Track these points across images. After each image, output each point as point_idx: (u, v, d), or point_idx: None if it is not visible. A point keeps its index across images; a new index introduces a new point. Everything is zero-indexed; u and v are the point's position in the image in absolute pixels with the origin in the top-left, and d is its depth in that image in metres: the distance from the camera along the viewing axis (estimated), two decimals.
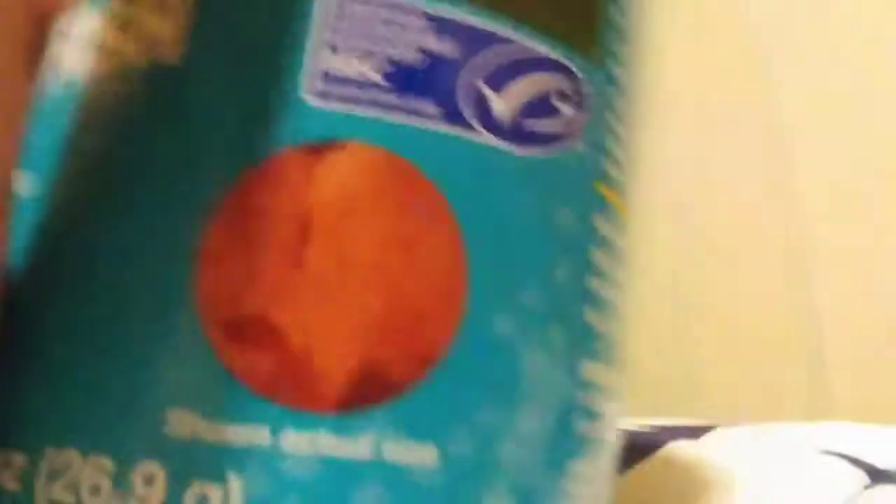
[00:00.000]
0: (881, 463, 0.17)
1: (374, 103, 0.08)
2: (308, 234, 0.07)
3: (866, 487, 0.16)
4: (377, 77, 0.08)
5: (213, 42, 0.08)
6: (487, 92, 0.08)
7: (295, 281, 0.07)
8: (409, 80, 0.08)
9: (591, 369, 0.09)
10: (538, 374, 0.08)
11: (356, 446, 0.07)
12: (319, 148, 0.08)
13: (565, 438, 0.08)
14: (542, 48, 0.09)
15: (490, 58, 0.08)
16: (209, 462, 0.07)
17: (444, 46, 0.08)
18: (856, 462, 0.17)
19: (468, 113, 0.08)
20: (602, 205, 0.09)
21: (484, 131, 0.08)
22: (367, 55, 0.08)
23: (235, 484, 0.07)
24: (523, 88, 0.09)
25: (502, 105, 0.08)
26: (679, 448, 0.18)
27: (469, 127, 0.08)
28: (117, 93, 0.08)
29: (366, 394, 0.07)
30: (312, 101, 0.08)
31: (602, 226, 0.09)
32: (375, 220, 0.08)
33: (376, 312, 0.07)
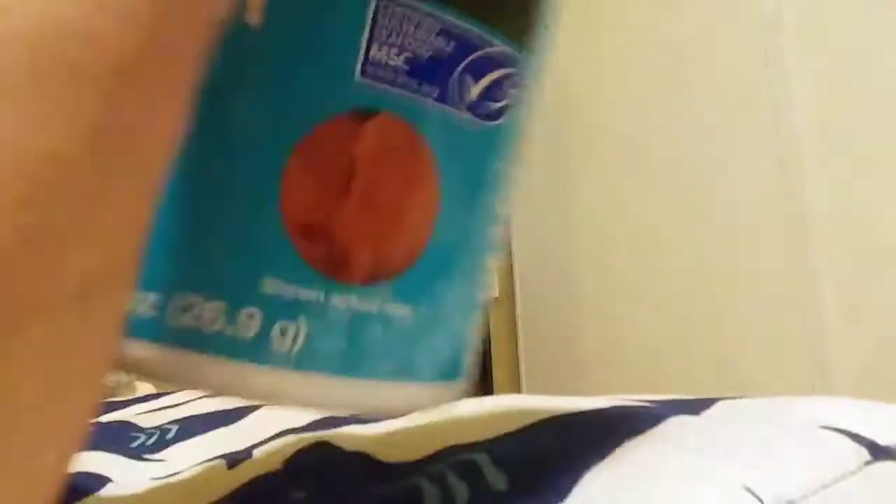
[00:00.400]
0: (882, 439, 0.17)
1: (400, 85, 0.12)
2: (353, 172, 0.12)
3: (867, 463, 0.16)
4: (404, 66, 0.12)
5: (291, 15, 0.11)
6: (468, 81, 0.13)
7: (342, 202, 0.12)
8: (422, 69, 0.12)
9: (488, 262, 0.14)
10: (465, 266, 0.13)
11: (370, 304, 0.12)
12: (363, 114, 0.12)
13: (472, 303, 0.14)
14: (504, 48, 0.13)
15: (475, 57, 0.13)
16: (287, 309, 0.11)
17: (448, 47, 0.12)
18: (856, 438, 0.17)
19: (455, 96, 0.12)
20: (516, 158, 0.14)
21: (461, 108, 0.13)
22: (400, 49, 0.12)
23: (302, 323, 0.11)
24: (489, 78, 0.13)
25: (476, 91, 0.13)
26: (679, 422, 0.18)
27: (455, 105, 0.12)
28: (216, 47, 0.11)
29: (378, 274, 0.12)
30: (361, 79, 0.11)
31: (512, 171, 0.14)
32: (390, 169, 0.12)
33: (387, 224, 0.12)
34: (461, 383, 0.15)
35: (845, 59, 0.98)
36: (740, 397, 0.21)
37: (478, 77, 0.13)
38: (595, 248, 1.32)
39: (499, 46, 0.13)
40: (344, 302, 0.12)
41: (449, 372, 0.14)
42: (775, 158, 1.07)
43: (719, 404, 0.20)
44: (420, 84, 0.12)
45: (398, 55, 0.12)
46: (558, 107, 1.37)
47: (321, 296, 0.12)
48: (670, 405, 0.20)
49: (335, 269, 0.12)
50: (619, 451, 0.16)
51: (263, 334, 0.11)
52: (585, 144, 1.35)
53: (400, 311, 0.12)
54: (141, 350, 0.11)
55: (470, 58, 0.12)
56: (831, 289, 1.00)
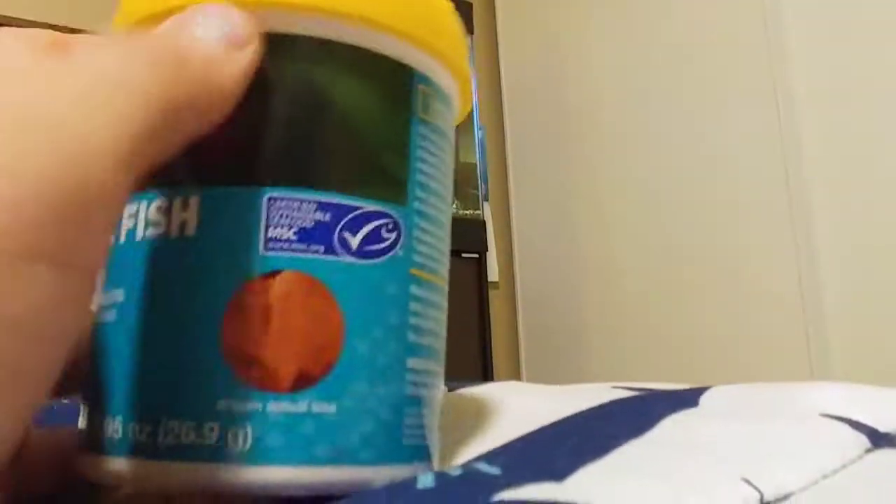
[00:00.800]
0: (883, 426, 0.16)
1: (293, 250, 0.17)
2: (270, 313, 0.17)
3: (867, 451, 0.15)
4: (294, 236, 0.17)
5: (214, 229, 0.17)
6: (347, 235, 0.18)
7: (265, 335, 0.16)
8: (308, 235, 0.17)
9: (414, 362, 0.18)
10: (381, 369, 0.18)
11: (297, 406, 0.16)
12: (272, 274, 0.17)
13: (400, 396, 0.18)
14: (375, 206, 0.18)
15: (349, 218, 0.18)
16: (237, 419, 0.16)
17: (326, 216, 0.17)
18: (856, 425, 0.16)
19: (339, 248, 0.17)
20: (415, 279, 0.19)
21: (348, 256, 0.18)
22: (289, 226, 0.17)
23: (249, 427, 0.16)
24: (366, 230, 0.18)
25: (355, 241, 0.18)
26: (677, 417, 0.18)
27: (338, 255, 0.17)
28: (161, 247, 0.17)
29: (302, 383, 0.16)
30: (264, 252, 0.17)
31: (415, 290, 0.19)
32: (297, 306, 0.17)
33: (301, 346, 0.17)
34: (420, 464, 0.18)
35: (848, 52, 1.00)
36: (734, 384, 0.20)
37: (355, 231, 0.18)
38: (596, 234, 1.32)
39: (370, 206, 0.18)
40: (278, 407, 0.16)
41: (391, 455, 0.18)
42: (777, 152, 1.06)
43: (716, 391, 0.20)
44: (308, 245, 0.17)
45: (289, 230, 0.17)
46: (558, 95, 1.38)
47: (260, 405, 0.16)
48: (667, 397, 0.20)
49: (268, 384, 0.16)
50: (616, 452, 0.16)
51: (221, 440, 0.16)
52: (584, 128, 1.34)
53: (325, 408, 0.17)
54: (117, 464, 0.16)
55: (345, 219, 0.18)
56: (832, 286, 0.99)
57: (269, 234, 0.17)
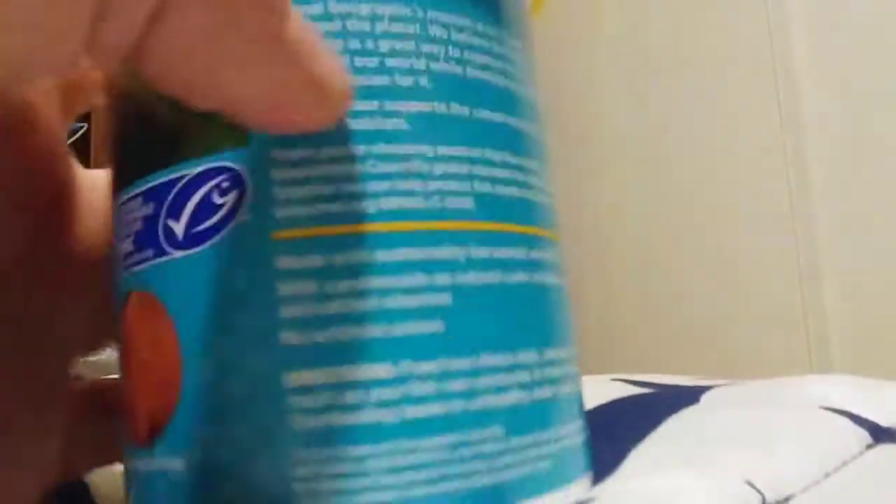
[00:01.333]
0: (884, 420, 0.17)
1: (133, 263, 0.13)
2: (122, 351, 0.14)
3: (868, 447, 0.16)
4: (130, 246, 0.13)
5: None
6: (171, 223, 0.13)
7: (124, 381, 0.13)
8: (141, 239, 0.13)
9: (301, 378, 0.12)
10: (240, 399, 0.12)
11: (154, 459, 0.13)
12: (126, 300, 0.14)
13: (278, 434, 0.12)
14: (199, 167, 0.13)
15: (170, 198, 0.13)
16: (129, 478, 0.14)
17: (149, 208, 0.13)
18: (857, 419, 0.16)
19: (165, 244, 0.13)
20: (281, 245, 0.12)
21: (174, 251, 0.13)
22: (126, 234, 0.14)
23: (131, 490, 0.13)
24: (190, 206, 0.13)
25: (179, 227, 0.13)
26: (679, 418, 0.17)
27: (166, 253, 0.13)
28: None
29: (154, 433, 0.13)
30: (123, 274, 0.14)
31: (290, 262, 0.12)
32: (140, 335, 0.13)
33: (151, 389, 0.13)
34: None
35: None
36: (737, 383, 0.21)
37: (178, 213, 0.13)
38: (597, 232, 1.29)
39: (191, 169, 0.13)
40: (142, 464, 0.13)
41: None
42: (779, 149, 1.09)
43: (717, 390, 0.20)
44: (142, 252, 0.13)
45: (128, 240, 0.14)
46: (557, 101, 1.30)
47: (131, 462, 0.13)
48: (668, 395, 0.20)
49: (132, 436, 0.13)
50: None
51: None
52: (583, 132, 1.30)
53: (172, 464, 0.12)
54: None
55: (167, 202, 0.13)
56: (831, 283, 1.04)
57: (121, 250, 0.14)
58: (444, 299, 0.12)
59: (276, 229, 0.12)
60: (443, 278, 0.12)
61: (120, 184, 0.14)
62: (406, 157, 0.12)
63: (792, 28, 1.10)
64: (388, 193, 0.12)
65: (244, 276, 0.12)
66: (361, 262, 0.12)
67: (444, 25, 0.13)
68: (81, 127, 1.58)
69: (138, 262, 0.13)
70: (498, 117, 0.14)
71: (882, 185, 1.00)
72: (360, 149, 0.12)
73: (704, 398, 0.19)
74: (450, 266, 0.12)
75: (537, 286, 0.14)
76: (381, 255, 0.12)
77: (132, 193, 0.13)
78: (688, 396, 0.20)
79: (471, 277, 0.13)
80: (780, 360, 1.13)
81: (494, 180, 0.13)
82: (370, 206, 0.12)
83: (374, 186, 0.12)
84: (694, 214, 1.29)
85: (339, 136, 0.12)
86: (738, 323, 1.20)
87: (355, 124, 0.12)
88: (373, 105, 0.12)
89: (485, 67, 0.14)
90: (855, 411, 0.17)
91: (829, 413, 0.17)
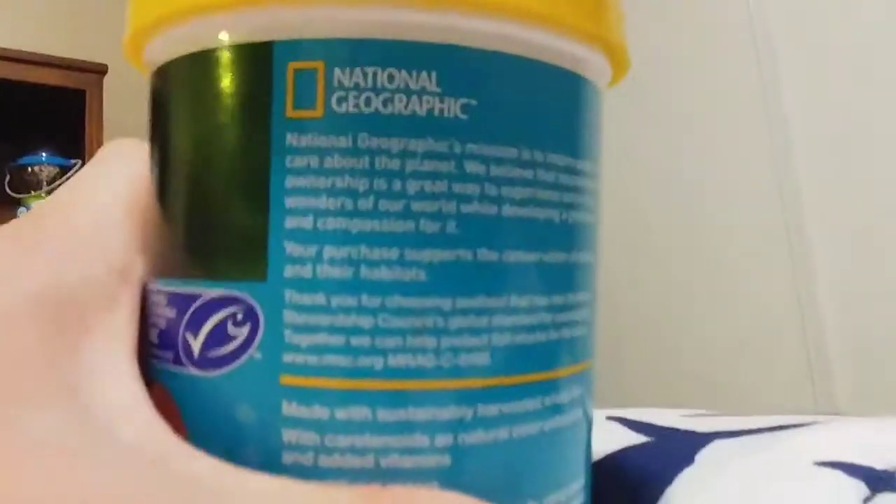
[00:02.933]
0: (879, 463, 0.16)
1: (155, 357, 0.14)
2: None
3: (865, 501, 0.15)
4: (156, 339, 0.14)
5: None
6: (189, 337, 0.13)
7: None
8: (163, 339, 0.13)
9: None
10: None
11: None
12: (151, 389, 0.14)
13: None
14: (218, 291, 0.12)
15: (190, 312, 0.13)
16: None
17: (172, 312, 0.13)
18: (852, 470, 0.16)
19: (183, 356, 0.13)
20: (288, 391, 0.12)
21: (191, 367, 0.13)
22: (152, 327, 0.14)
23: None
24: (208, 327, 0.13)
25: (197, 344, 0.13)
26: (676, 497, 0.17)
27: (184, 364, 0.13)
28: None
29: None
30: (150, 360, 0.14)
31: (293, 410, 0.12)
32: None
33: None
34: None
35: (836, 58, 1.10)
36: (737, 429, 0.20)
37: (197, 330, 0.13)
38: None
39: (213, 291, 0.13)
40: None
41: None
42: (768, 159, 1.16)
43: (712, 448, 0.19)
44: (163, 351, 0.14)
45: (155, 331, 0.14)
46: None
47: None
48: (664, 451, 0.20)
49: None
50: None
51: None
52: None
53: None
54: None
55: (188, 314, 0.13)
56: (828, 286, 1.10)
57: (150, 335, 0.14)
58: (443, 461, 0.12)
59: (285, 373, 0.12)
60: (444, 439, 0.12)
61: (152, 267, 0.14)
62: (421, 312, 0.12)
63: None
64: (396, 350, 0.12)
65: (252, 415, 0.12)
66: (363, 420, 0.12)
67: (484, 160, 0.12)
68: (76, 163, 1.61)
69: (161, 359, 0.13)
70: (532, 257, 0.13)
71: (875, 195, 1.05)
72: (375, 301, 0.12)
73: (699, 458, 0.19)
74: (453, 427, 0.12)
75: (549, 434, 0.13)
76: (384, 415, 0.12)
77: (158, 288, 0.14)
78: (684, 452, 0.20)
79: (474, 437, 0.12)
80: (779, 380, 1.17)
81: (516, 329, 0.13)
82: (377, 363, 0.12)
83: (383, 342, 0.12)
84: (690, 220, 1.33)
85: (354, 285, 0.12)
86: (737, 343, 1.24)
87: (371, 274, 0.12)
88: (392, 254, 0.12)
89: (525, 202, 0.13)
90: (848, 460, 0.16)
91: (823, 469, 0.16)
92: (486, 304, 0.12)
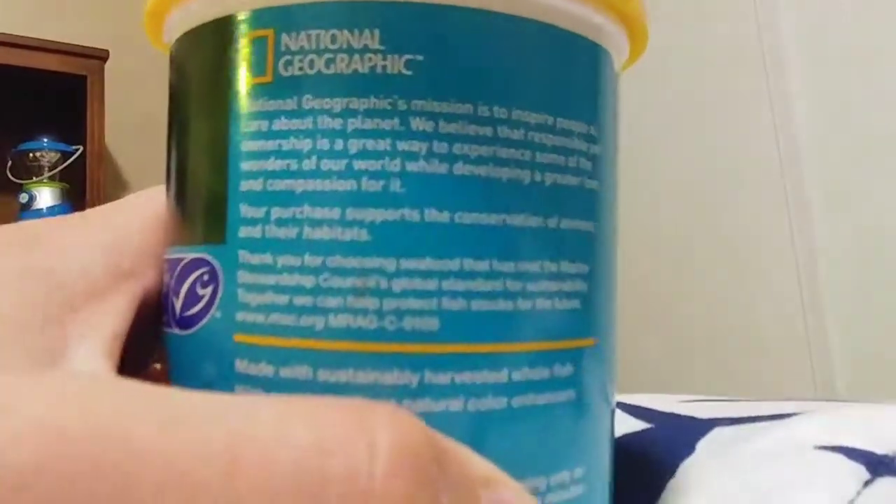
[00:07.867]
0: (880, 447, 0.16)
1: (164, 324, 0.15)
2: None
3: (866, 484, 0.15)
4: (172, 311, 0.15)
5: None
6: (174, 299, 0.14)
7: None
8: (164, 302, 0.14)
9: None
10: None
11: None
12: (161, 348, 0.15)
13: None
14: (191, 255, 0.13)
15: (175, 276, 0.14)
16: None
17: (168, 277, 0.14)
18: (853, 454, 0.16)
19: (170, 318, 0.14)
20: (241, 349, 0.12)
21: (174, 326, 0.14)
22: (164, 296, 0.15)
23: None
24: (185, 288, 0.13)
25: (177, 307, 0.13)
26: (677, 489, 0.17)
27: (170, 326, 0.14)
28: None
29: None
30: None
31: (241, 366, 0.12)
32: None
33: None
34: None
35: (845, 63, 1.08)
36: (737, 416, 0.20)
37: (178, 291, 0.14)
38: None
39: (189, 253, 0.13)
40: None
41: None
42: (775, 162, 1.15)
43: (711, 438, 0.19)
44: (165, 316, 0.14)
45: (166, 300, 0.15)
46: None
47: None
48: (665, 437, 0.20)
49: None
50: None
51: None
52: None
53: None
54: None
55: (174, 277, 0.14)
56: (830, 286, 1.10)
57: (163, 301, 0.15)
58: None
59: (238, 332, 0.12)
60: None
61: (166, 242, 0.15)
62: (363, 272, 0.12)
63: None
64: (338, 311, 0.12)
65: (214, 372, 0.13)
66: (305, 379, 0.12)
67: (432, 117, 0.12)
68: (77, 149, 1.58)
69: (164, 323, 0.14)
70: (493, 219, 0.12)
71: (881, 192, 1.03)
72: (316, 260, 0.12)
73: (700, 446, 0.19)
74: (397, 392, 0.12)
75: (520, 412, 0.12)
76: (324, 375, 0.12)
77: (165, 258, 0.15)
78: (685, 439, 0.19)
79: (420, 405, 0.12)
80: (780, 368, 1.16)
81: (472, 295, 0.12)
82: (318, 323, 0.12)
83: (325, 302, 0.12)
84: (699, 209, 1.31)
85: (297, 245, 0.12)
86: (740, 331, 1.23)
87: (313, 233, 0.12)
88: (334, 213, 0.12)
89: (483, 161, 0.12)
90: (849, 444, 0.16)
91: (823, 452, 0.16)
92: (435, 266, 0.12)
